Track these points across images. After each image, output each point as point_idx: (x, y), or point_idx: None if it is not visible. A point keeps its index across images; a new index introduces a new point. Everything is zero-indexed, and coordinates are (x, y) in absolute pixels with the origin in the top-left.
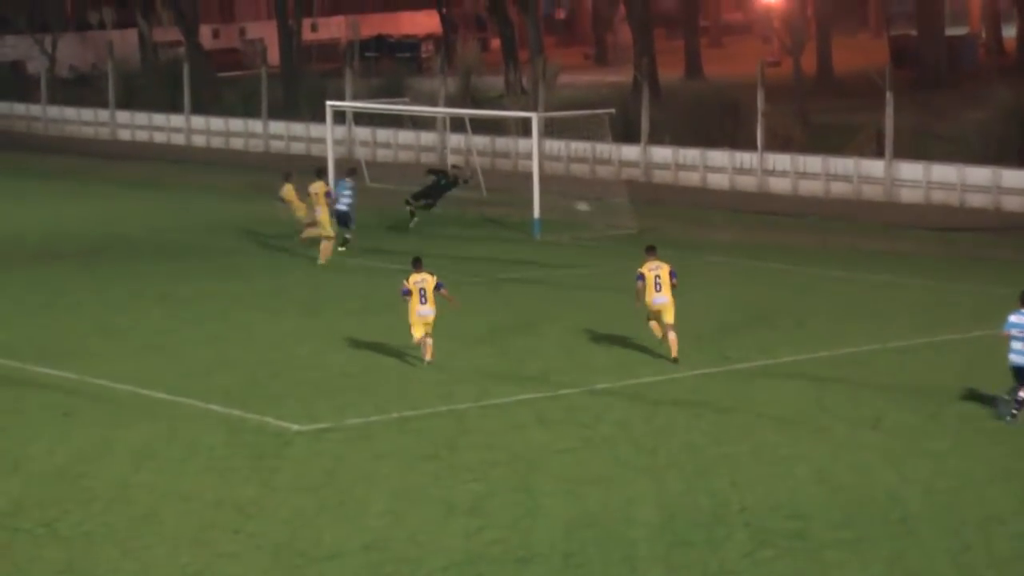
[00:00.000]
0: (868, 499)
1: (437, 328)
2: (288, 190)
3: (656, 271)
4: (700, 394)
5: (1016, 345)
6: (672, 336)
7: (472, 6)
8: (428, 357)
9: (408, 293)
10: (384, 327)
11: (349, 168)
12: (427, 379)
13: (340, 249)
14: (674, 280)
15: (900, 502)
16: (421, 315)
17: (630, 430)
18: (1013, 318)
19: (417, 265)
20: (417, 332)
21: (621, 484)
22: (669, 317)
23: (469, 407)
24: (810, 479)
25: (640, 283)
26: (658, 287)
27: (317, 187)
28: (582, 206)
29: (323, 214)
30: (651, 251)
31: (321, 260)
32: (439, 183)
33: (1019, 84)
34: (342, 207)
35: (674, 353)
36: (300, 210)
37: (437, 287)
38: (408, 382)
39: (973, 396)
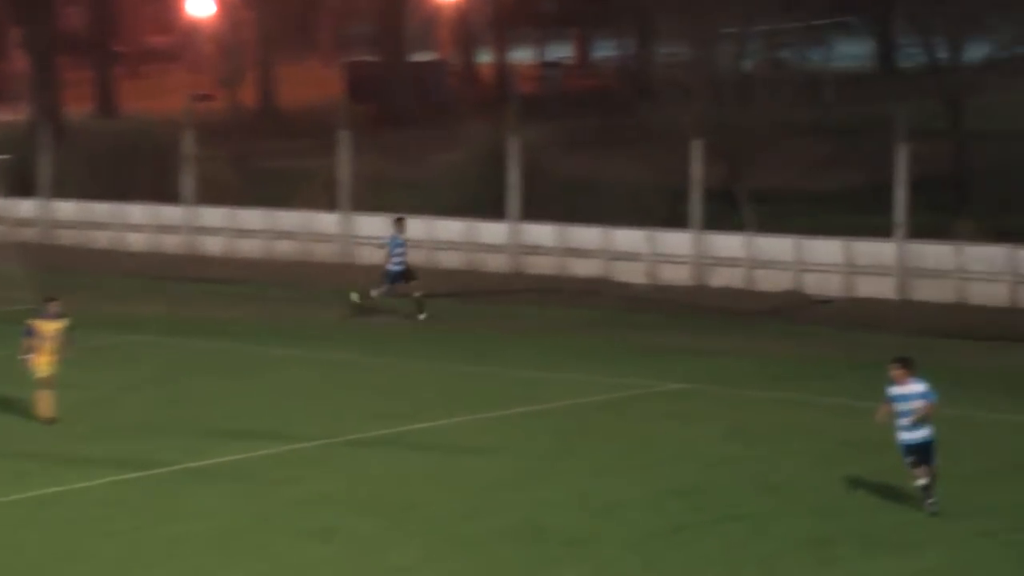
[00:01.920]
0: None
1: None
2: None
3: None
4: (113, 506)
5: (903, 421)
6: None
7: None
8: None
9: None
10: None
11: (397, 218)
12: None
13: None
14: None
15: None
16: None
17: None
18: (893, 390)
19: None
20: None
21: None
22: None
23: None
24: None
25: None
26: None
27: None
28: None
29: None
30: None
31: None
32: None
33: (497, 120)
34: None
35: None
36: None
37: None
38: None
39: (443, 496)
